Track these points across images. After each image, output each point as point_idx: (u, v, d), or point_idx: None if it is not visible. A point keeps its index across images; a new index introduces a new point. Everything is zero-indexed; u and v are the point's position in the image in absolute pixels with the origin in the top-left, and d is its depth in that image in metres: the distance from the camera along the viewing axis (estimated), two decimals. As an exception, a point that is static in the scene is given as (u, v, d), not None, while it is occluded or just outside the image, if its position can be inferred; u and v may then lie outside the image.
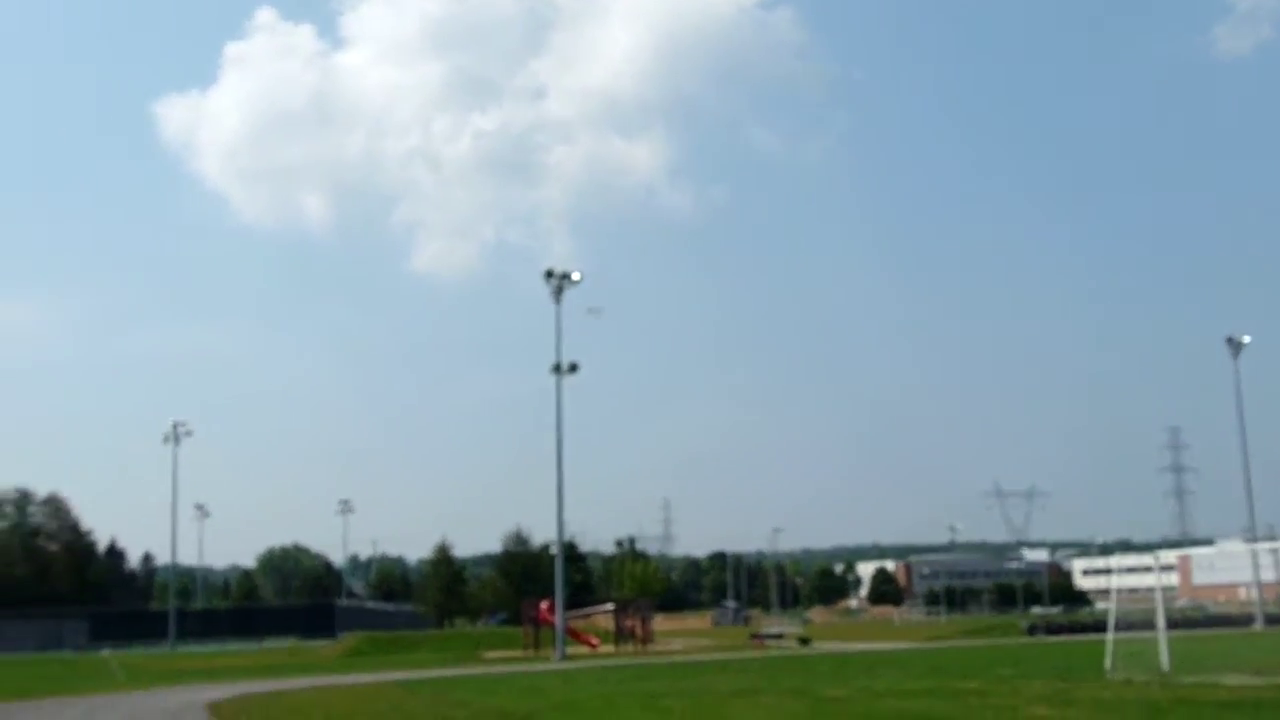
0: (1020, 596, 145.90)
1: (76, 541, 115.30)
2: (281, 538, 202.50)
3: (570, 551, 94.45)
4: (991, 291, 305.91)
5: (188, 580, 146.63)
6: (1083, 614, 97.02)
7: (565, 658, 50.48)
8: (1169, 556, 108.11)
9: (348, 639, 70.47)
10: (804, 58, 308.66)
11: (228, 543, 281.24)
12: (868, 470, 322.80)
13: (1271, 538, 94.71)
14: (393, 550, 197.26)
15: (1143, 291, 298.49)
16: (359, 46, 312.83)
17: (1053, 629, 70.16)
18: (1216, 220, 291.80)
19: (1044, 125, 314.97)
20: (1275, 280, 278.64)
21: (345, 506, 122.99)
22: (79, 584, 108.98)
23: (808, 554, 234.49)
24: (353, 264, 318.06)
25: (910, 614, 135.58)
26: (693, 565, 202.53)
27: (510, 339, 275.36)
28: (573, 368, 54.50)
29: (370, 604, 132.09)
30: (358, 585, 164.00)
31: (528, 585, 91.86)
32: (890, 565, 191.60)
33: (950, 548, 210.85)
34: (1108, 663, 27.18)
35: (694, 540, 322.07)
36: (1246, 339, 75.31)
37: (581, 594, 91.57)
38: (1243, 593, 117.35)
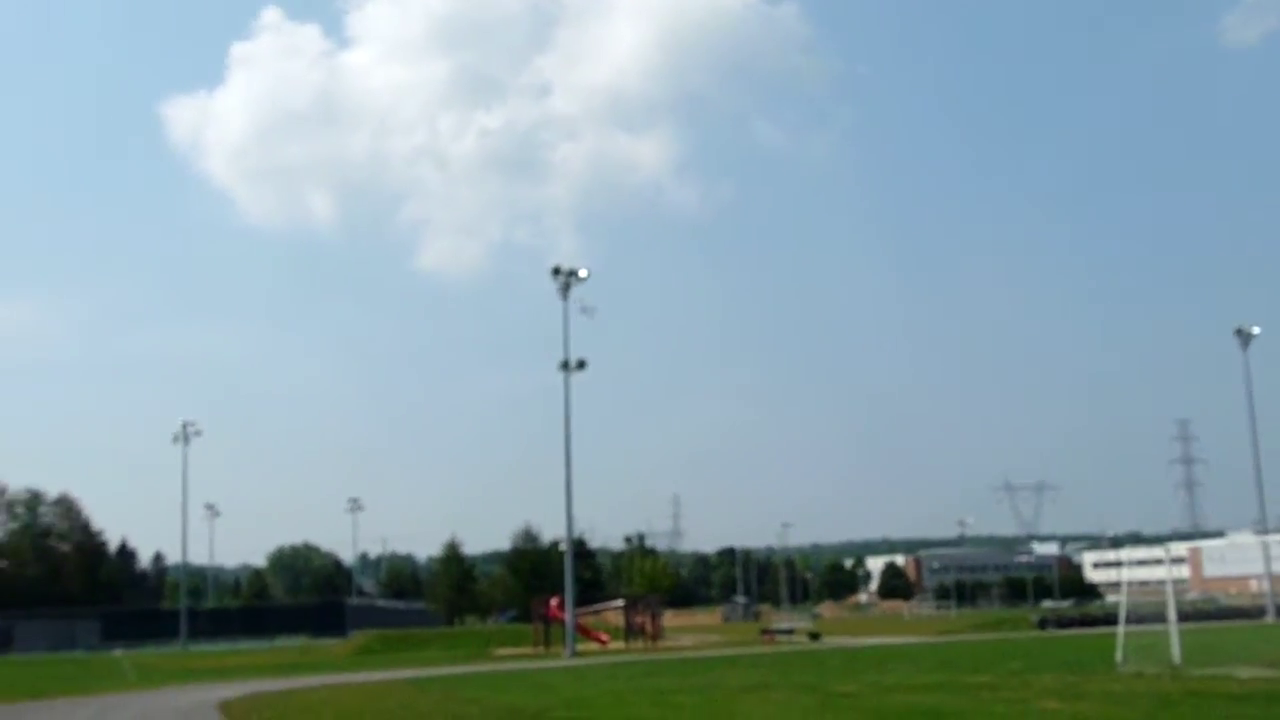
0: (1030, 590, 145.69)
1: (87, 542, 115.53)
2: (292, 536, 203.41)
3: (579, 548, 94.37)
4: (995, 288, 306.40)
5: (199, 580, 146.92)
6: (1093, 607, 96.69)
7: (575, 654, 50.41)
8: (1180, 549, 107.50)
9: (358, 637, 70.55)
10: (809, 53, 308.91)
11: (238, 542, 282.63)
12: (876, 465, 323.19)
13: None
14: (402, 548, 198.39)
15: (1143, 291, 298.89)
16: (364, 46, 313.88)
17: (1063, 622, 69.87)
18: (1217, 219, 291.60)
19: (1045, 125, 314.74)
20: (1276, 278, 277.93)
21: (355, 505, 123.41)
22: (90, 584, 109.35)
23: (817, 549, 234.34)
24: (359, 263, 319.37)
25: (920, 608, 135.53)
26: (702, 561, 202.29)
27: (517, 337, 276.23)
28: (580, 365, 54.49)
29: (380, 602, 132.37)
30: (368, 583, 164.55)
31: (537, 582, 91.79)
32: (900, 560, 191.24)
33: (960, 542, 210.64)
34: (1119, 656, 27.11)
35: (703, 536, 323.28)
36: (1256, 330, 75.06)
37: (591, 591, 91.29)
38: (1254, 585, 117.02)
